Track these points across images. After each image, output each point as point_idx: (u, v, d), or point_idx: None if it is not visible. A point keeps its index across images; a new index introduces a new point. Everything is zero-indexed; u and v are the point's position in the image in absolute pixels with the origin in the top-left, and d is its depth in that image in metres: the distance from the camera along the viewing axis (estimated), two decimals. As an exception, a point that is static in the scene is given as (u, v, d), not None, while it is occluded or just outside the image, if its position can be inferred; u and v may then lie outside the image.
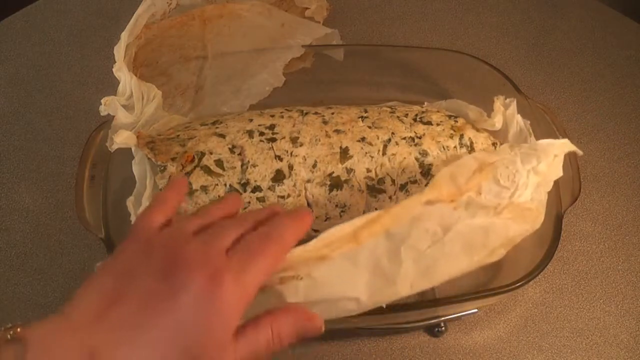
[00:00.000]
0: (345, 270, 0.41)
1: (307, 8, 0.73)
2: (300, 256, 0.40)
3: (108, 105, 0.53)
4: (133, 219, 0.51)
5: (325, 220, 0.54)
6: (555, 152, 0.46)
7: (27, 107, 0.71)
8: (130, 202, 0.52)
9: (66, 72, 0.75)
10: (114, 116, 0.54)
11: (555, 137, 0.59)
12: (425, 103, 0.62)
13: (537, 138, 0.54)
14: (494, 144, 0.57)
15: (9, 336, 0.31)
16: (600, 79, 0.75)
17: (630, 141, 0.69)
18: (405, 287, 0.42)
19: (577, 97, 0.73)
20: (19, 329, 0.31)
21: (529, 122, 0.56)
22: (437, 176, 0.43)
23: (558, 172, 0.47)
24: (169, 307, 0.33)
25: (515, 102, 0.57)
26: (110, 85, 0.55)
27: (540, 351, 0.55)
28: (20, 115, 0.71)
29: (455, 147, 0.55)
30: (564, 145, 0.47)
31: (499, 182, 0.44)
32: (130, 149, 0.54)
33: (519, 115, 0.56)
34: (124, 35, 0.54)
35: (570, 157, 0.59)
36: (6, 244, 0.60)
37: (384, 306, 0.42)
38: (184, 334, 0.32)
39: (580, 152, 0.47)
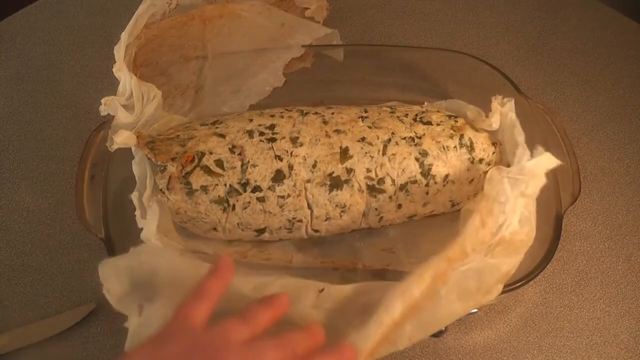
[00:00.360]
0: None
1: (307, 8, 0.73)
2: None
3: (108, 105, 0.53)
4: (137, 213, 0.51)
5: (325, 220, 0.54)
6: (542, 171, 0.45)
7: (27, 107, 0.71)
8: (134, 197, 0.52)
9: (66, 72, 0.75)
10: (114, 116, 0.54)
11: (556, 137, 0.59)
12: (425, 103, 0.62)
13: (538, 138, 0.54)
14: (493, 144, 0.57)
15: None
16: (600, 79, 0.75)
17: (630, 141, 0.69)
18: (404, 343, 0.43)
19: (577, 97, 0.73)
20: None
21: (518, 120, 0.55)
22: (450, 250, 0.43)
23: (541, 181, 0.46)
24: None
25: (512, 101, 0.57)
26: (110, 85, 0.55)
27: (540, 351, 0.55)
28: (20, 115, 0.71)
29: (455, 147, 0.55)
30: (549, 161, 0.46)
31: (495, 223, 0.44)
32: (130, 149, 0.54)
33: (512, 113, 0.55)
34: (124, 35, 0.54)
35: (570, 158, 0.59)
36: (6, 244, 0.60)
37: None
38: None
39: (560, 163, 0.47)
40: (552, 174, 0.49)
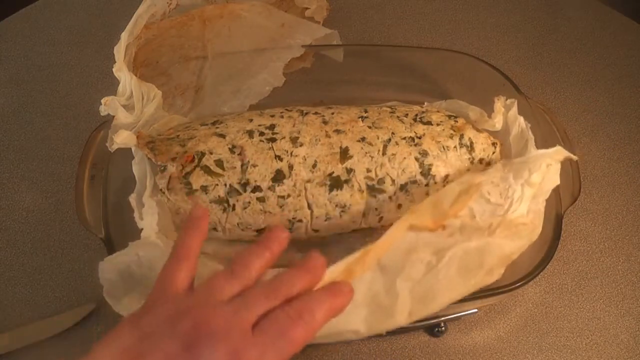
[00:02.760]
0: None
1: (307, 8, 0.73)
2: None
3: (108, 105, 0.53)
4: (136, 215, 0.51)
5: (325, 220, 0.54)
6: (547, 161, 0.46)
7: (27, 107, 0.71)
8: (132, 198, 0.52)
9: (66, 72, 0.75)
10: (114, 116, 0.54)
11: (555, 137, 0.59)
12: (425, 103, 0.62)
13: (537, 138, 0.54)
14: (493, 144, 0.57)
15: None
16: (600, 79, 0.75)
17: (630, 141, 0.69)
18: (404, 317, 0.42)
19: (577, 97, 0.73)
20: None
21: (529, 125, 0.56)
22: (419, 204, 0.43)
23: (555, 181, 0.47)
24: None
25: (516, 103, 0.57)
26: (110, 85, 0.55)
27: (540, 351, 0.55)
28: (20, 115, 0.71)
29: (455, 147, 0.55)
30: (556, 154, 0.46)
31: (490, 200, 0.44)
32: (130, 149, 0.54)
33: (521, 117, 0.56)
34: (124, 35, 0.54)
35: (569, 159, 0.59)
36: (6, 244, 0.60)
37: (384, 333, 0.42)
38: None
39: (574, 157, 0.47)
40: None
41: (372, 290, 0.42)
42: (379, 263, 0.42)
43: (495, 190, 0.45)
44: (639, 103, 0.73)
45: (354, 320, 0.41)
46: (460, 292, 0.44)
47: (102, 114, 0.54)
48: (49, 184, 0.65)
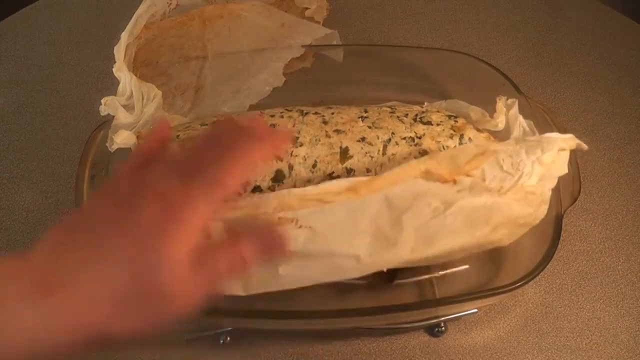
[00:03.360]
0: (345, 225, 0.41)
1: (307, 8, 0.73)
2: (299, 196, 0.39)
3: (108, 105, 0.53)
4: None
5: (325, 220, 0.54)
6: (560, 145, 0.46)
7: (27, 107, 0.71)
8: None
9: (66, 72, 0.75)
10: (114, 116, 0.54)
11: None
12: (425, 103, 0.62)
13: (537, 138, 0.54)
14: (494, 144, 0.57)
15: None
16: (600, 79, 0.75)
17: (630, 141, 0.69)
18: (406, 250, 0.42)
19: (577, 97, 0.73)
20: None
21: (532, 122, 0.56)
22: (438, 153, 0.43)
23: (563, 169, 0.48)
24: (123, 231, 0.32)
25: (517, 103, 0.57)
26: (110, 85, 0.55)
27: (540, 351, 0.55)
28: (20, 115, 0.71)
29: (455, 147, 0.55)
30: (568, 140, 0.47)
31: (502, 168, 0.45)
32: (130, 149, 0.54)
33: (521, 116, 0.56)
34: (124, 35, 0.54)
35: (570, 157, 0.59)
36: (6, 244, 0.60)
37: (385, 270, 0.42)
38: (138, 257, 0.32)
39: (585, 147, 0.48)
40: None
41: (377, 222, 0.41)
42: (387, 197, 0.42)
43: (508, 160, 0.45)
44: (639, 103, 0.73)
45: (356, 243, 0.41)
46: (463, 241, 0.44)
47: (102, 114, 0.54)
48: (49, 184, 0.65)
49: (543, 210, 0.48)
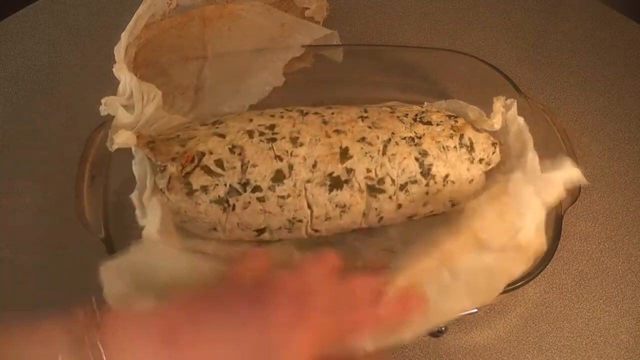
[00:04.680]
0: None
1: (307, 8, 0.73)
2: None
3: (108, 105, 0.53)
4: (138, 212, 0.51)
5: (325, 220, 0.54)
6: (568, 185, 0.45)
7: (27, 107, 0.71)
8: (134, 197, 0.52)
9: (66, 72, 0.75)
10: (114, 116, 0.54)
11: (555, 137, 0.59)
12: (425, 103, 0.62)
13: (538, 138, 0.54)
14: (494, 144, 0.57)
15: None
16: (600, 79, 0.75)
17: (630, 141, 0.69)
18: (408, 333, 0.42)
19: (577, 97, 0.73)
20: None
21: (528, 126, 0.55)
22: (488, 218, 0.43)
23: (560, 194, 0.46)
24: (256, 315, 0.34)
25: (515, 103, 0.57)
26: (110, 85, 0.55)
27: (540, 351, 0.55)
28: (20, 115, 0.71)
29: (455, 147, 0.55)
30: (576, 177, 0.46)
31: (514, 223, 0.44)
32: (130, 149, 0.54)
33: (520, 117, 0.56)
34: (124, 35, 0.54)
35: (570, 158, 0.59)
36: (6, 244, 0.60)
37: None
38: (263, 344, 0.34)
39: (586, 182, 0.47)
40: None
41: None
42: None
43: (518, 210, 0.45)
44: (639, 103, 0.73)
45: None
46: (463, 310, 0.45)
47: (102, 114, 0.54)
48: (49, 184, 0.65)
49: (543, 250, 0.46)
